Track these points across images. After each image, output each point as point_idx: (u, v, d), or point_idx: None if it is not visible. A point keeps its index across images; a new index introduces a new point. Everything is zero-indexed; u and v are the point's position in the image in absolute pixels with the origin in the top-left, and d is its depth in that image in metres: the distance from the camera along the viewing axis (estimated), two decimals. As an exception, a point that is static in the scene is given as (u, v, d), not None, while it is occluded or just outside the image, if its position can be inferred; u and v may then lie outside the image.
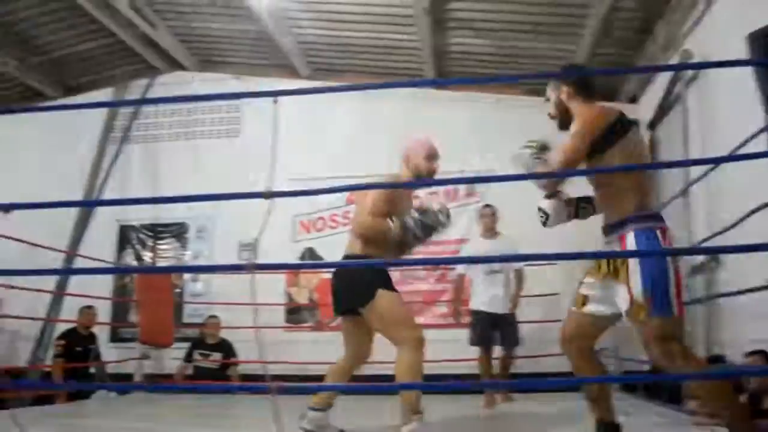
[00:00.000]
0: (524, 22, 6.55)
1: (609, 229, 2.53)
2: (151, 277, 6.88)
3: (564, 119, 2.75)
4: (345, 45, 7.55)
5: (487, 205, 5.70)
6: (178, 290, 7.91)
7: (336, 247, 7.49)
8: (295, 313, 7.63)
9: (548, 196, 2.73)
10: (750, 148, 2.90)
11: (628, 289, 2.35)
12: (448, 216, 3.32)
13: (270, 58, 8.09)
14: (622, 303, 2.39)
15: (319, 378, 6.37)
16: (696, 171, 4.81)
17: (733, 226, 3.65)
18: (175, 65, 8.41)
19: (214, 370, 6.75)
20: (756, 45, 2.04)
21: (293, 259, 7.56)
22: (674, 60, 5.79)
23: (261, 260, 6.76)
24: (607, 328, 2.67)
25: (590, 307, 2.58)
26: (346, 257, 3.41)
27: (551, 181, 2.59)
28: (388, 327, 3.17)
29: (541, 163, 2.55)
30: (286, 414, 2.05)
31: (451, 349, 5.94)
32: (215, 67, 8.47)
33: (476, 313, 5.28)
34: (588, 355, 2.64)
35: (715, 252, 4.96)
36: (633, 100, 7.58)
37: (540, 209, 2.74)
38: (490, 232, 5.52)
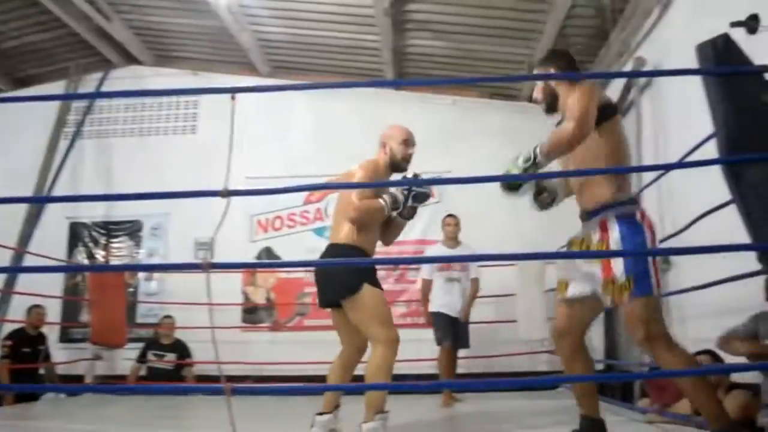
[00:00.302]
0: (482, 26, 6.63)
1: (588, 215, 2.56)
2: (103, 275, 6.72)
3: (551, 103, 2.74)
4: (305, 44, 7.51)
5: (450, 215, 5.77)
6: (131, 289, 7.76)
7: (294, 246, 7.56)
8: (251, 313, 7.56)
9: (538, 194, 2.79)
10: (699, 155, 3.00)
11: (603, 269, 2.39)
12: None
13: (229, 55, 8.00)
14: (598, 282, 2.44)
15: (277, 378, 6.36)
16: (648, 176, 4.95)
17: (686, 228, 3.75)
18: (131, 59, 8.25)
19: (169, 371, 6.65)
20: (704, 55, 2.10)
21: (250, 258, 7.49)
22: (628, 67, 5.94)
23: (217, 259, 6.68)
24: (596, 313, 2.70)
25: (572, 290, 2.61)
26: (332, 246, 3.35)
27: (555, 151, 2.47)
28: (367, 323, 3.13)
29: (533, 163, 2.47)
30: (242, 415, 2.02)
31: (411, 349, 5.97)
32: (172, 62, 8.33)
33: (438, 315, 5.46)
34: (579, 353, 2.68)
35: (668, 253, 5.08)
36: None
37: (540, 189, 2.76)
38: (453, 241, 5.67)
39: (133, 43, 7.86)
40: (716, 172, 2.14)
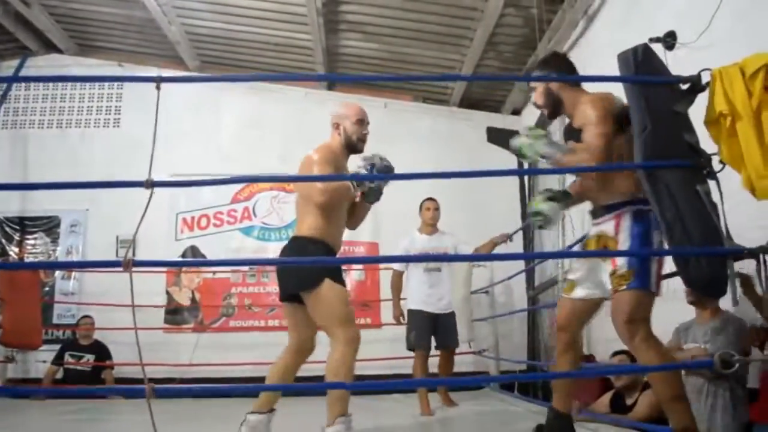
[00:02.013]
0: (413, 30, 6.70)
1: (603, 210, 2.57)
2: (16, 273, 6.38)
3: (555, 109, 2.73)
4: (236, 39, 7.39)
5: (430, 198, 5.08)
6: (47, 288, 7.42)
7: (220, 245, 7.41)
8: (175, 314, 7.36)
9: (552, 198, 2.66)
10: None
11: (612, 261, 2.42)
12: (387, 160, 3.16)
13: (156, 47, 7.77)
14: (607, 279, 2.46)
15: (201, 380, 6.22)
16: (571, 179, 5.10)
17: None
18: (51, 48, 7.88)
19: (87, 373, 6.38)
20: (624, 64, 2.19)
21: (175, 257, 7.30)
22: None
23: (140, 258, 6.49)
24: (596, 311, 2.72)
25: (579, 292, 2.64)
26: (294, 239, 3.21)
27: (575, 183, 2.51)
28: (327, 319, 3.02)
29: (553, 150, 2.46)
30: (164, 420, 1.97)
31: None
32: (95, 52, 8.01)
33: (415, 313, 4.82)
34: (572, 347, 2.72)
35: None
36: (516, 112, 7.96)
37: (539, 213, 2.64)
38: (431, 227, 5.03)
39: (53, 31, 7.52)
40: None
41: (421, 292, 4.85)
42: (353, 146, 3.30)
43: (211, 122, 7.74)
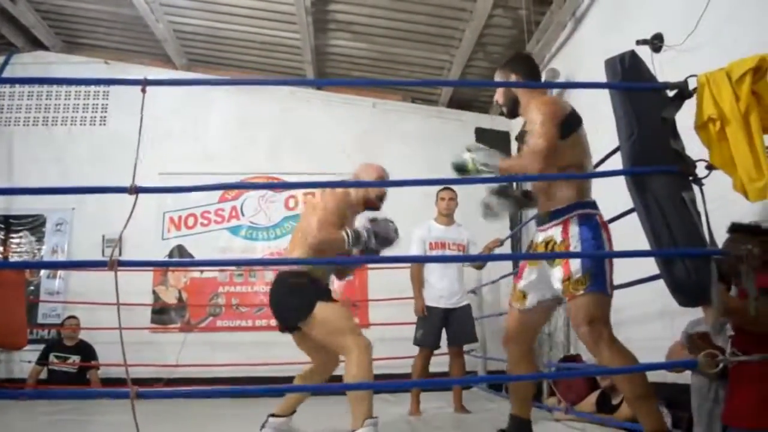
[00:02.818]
0: (402, 30, 6.69)
1: (549, 216, 2.59)
2: (1, 272, 6.32)
3: (512, 108, 2.77)
4: (224, 38, 7.35)
5: (447, 188, 4.89)
6: (32, 287, 7.35)
7: (207, 245, 7.38)
8: (161, 314, 7.31)
9: (498, 193, 2.72)
10: (608, 165, 3.13)
11: (564, 268, 2.43)
12: (396, 230, 3.23)
13: (143, 45, 7.72)
14: (557, 283, 2.47)
15: (188, 381, 6.17)
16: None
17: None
18: (37, 44, 7.80)
19: (72, 373, 6.33)
20: (611, 70, 2.19)
21: (161, 256, 7.25)
22: (542, 78, 6.14)
23: (126, 257, 6.45)
24: (548, 318, 2.76)
25: (531, 300, 2.65)
26: (279, 274, 3.27)
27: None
28: (330, 338, 3.05)
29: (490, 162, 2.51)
30: (148, 421, 1.95)
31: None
32: (82, 49, 7.94)
33: (428, 310, 4.66)
34: (526, 357, 2.74)
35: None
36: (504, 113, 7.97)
37: (486, 204, 2.72)
38: (447, 218, 4.89)
39: (39, 28, 7.44)
40: (620, 183, 2.25)
41: (435, 285, 4.72)
42: (371, 203, 3.36)
43: (199, 120, 7.70)
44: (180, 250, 7.46)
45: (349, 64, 7.57)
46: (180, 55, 7.68)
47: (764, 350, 2.25)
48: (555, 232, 2.55)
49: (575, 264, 2.41)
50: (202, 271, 7.41)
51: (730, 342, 2.71)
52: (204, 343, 7.02)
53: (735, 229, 2.40)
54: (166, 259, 7.26)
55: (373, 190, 3.31)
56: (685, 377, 3.14)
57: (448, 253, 4.79)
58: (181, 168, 7.04)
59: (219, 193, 7.62)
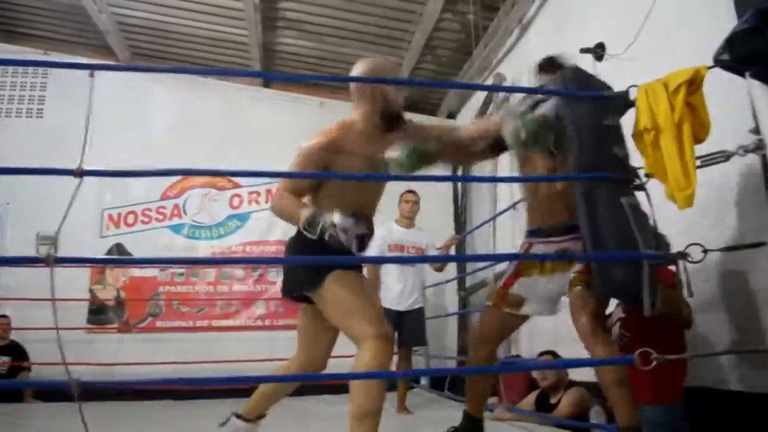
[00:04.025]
0: (352, 30, 6.69)
1: (566, 229, 2.54)
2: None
3: None
4: (169, 32, 7.19)
5: (411, 191, 4.88)
6: (-41, 285, 7.02)
7: (148, 243, 7.20)
8: (99, 313, 7.09)
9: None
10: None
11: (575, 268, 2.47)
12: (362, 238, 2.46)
13: (84, 36, 7.48)
14: (557, 302, 2.54)
15: (126, 382, 5.97)
16: (503, 187, 5.22)
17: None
18: (-31, 33, 7.48)
19: (3, 375, 6.08)
20: (542, 72, 2.24)
21: (99, 255, 7.03)
22: (489, 82, 6.26)
23: (63, 254, 6.23)
24: (521, 324, 2.76)
25: (529, 308, 2.63)
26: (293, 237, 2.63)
27: None
28: (340, 317, 2.39)
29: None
30: (88, 421, 1.89)
31: (268, 351, 5.91)
32: (19, 39, 7.61)
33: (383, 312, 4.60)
34: (494, 358, 2.77)
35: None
36: (452, 116, 8.08)
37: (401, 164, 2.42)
38: (410, 221, 4.90)
39: (-28, 15, 7.14)
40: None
41: (392, 288, 4.71)
42: (392, 114, 2.55)
43: (141, 116, 7.49)
44: (119, 248, 7.25)
45: (297, 62, 7.51)
46: (123, 47, 7.47)
47: (655, 335, 2.39)
48: (575, 245, 2.49)
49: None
50: (142, 269, 7.22)
51: (619, 324, 2.87)
52: (143, 343, 6.85)
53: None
54: (104, 256, 7.05)
55: (391, 92, 2.52)
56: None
57: (406, 255, 4.81)
58: (122, 163, 6.83)
59: (161, 190, 7.45)
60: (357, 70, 2.61)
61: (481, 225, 5.89)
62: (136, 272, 7.24)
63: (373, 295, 2.62)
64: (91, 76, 1.97)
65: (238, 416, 2.72)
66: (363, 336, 2.27)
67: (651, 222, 2.04)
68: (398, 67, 2.85)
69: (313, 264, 2.43)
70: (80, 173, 1.77)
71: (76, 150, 2.11)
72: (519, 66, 5.73)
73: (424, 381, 6.59)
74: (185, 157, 7.20)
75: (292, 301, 2.68)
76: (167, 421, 3.25)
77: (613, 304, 2.88)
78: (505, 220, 5.44)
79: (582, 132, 2.13)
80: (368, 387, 2.23)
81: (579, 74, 2.27)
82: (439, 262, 5.33)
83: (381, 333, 2.26)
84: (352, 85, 2.63)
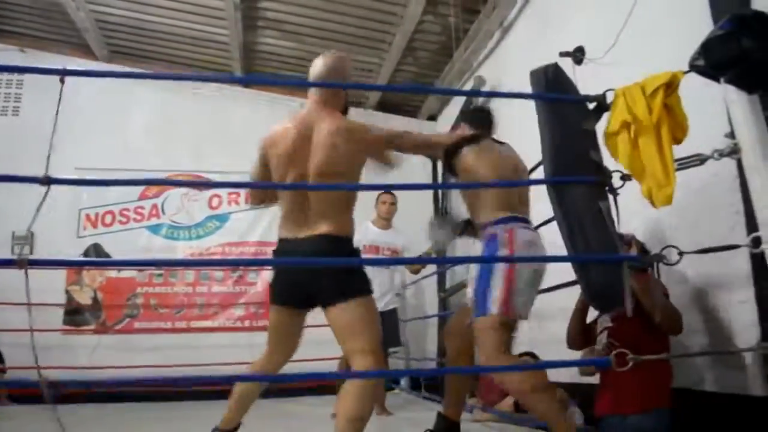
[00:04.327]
0: (332, 31, 6.68)
1: (479, 230, 2.74)
2: None
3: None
4: (149, 30, 7.12)
5: (388, 192, 4.86)
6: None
7: (126, 244, 7.13)
8: (75, 315, 7.00)
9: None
10: (537, 174, 3.22)
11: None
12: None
13: (62, 34, 7.39)
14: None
15: (103, 385, 5.89)
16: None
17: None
18: (-57, 29, 7.35)
19: (-25, 378, 5.98)
20: (535, 81, 2.25)
21: (76, 255, 6.95)
22: (469, 85, 6.29)
23: (38, 255, 6.15)
24: None
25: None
26: (321, 237, 2.48)
27: None
28: (351, 335, 2.43)
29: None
30: (58, 425, 1.87)
31: (248, 354, 5.87)
32: (-6, 36, 7.53)
33: None
34: (464, 356, 2.77)
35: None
36: (432, 118, 8.11)
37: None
38: (387, 222, 4.89)
39: (-54, 11, 7.02)
40: (541, 191, 2.32)
41: None
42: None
43: (120, 115, 7.41)
44: (96, 248, 7.16)
45: (277, 62, 7.49)
46: (101, 45, 7.39)
47: (642, 343, 2.42)
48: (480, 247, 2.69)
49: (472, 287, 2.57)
50: (119, 271, 7.14)
51: (607, 333, 2.90)
52: (120, 345, 6.78)
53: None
54: (81, 257, 6.96)
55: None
56: (595, 378, 3.29)
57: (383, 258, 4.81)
58: (100, 163, 6.77)
59: (139, 190, 7.38)
60: (322, 63, 2.91)
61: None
62: (114, 273, 7.16)
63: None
64: (62, 82, 1.91)
65: (217, 430, 2.69)
66: (365, 355, 2.37)
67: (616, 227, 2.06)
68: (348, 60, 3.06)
69: (362, 275, 2.48)
70: (46, 181, 1.71)
71: (54, 148, 2.07)
72: (499, 69, 5.77)
73: (404, 382, 6.59)
74: (165, 157, 7.15)
75: (287, 305, 2.64)
76: (145, 423, 3.22)
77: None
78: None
79: (561, 135, 2.15)
80: (362, 395, 2.31)
81: (559, 75, 2.29)
82: (418, 264, 5.35)
83: (377, 363, 2.38)
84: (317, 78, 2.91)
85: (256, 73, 7.64)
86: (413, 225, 5.25)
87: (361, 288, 2.46)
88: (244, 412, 2.71)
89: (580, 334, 3.12)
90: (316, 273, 2.47)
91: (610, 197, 2.10)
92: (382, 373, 2.65)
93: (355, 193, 2.61)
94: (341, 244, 2.51)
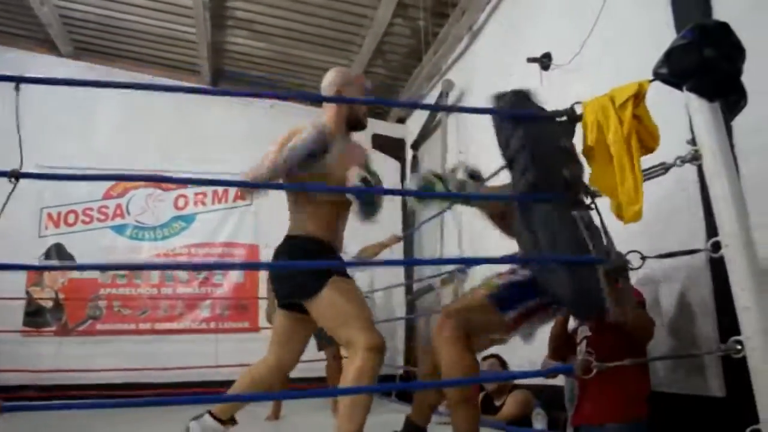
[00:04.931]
0: (302, 32, 6.66)
1: None
2: None
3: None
4: (115, 27, 7.00)
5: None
6: None
7: (90, 244, 6.99)
8: (35, 316, 6.84)
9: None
10: (499, 179, 3.25)
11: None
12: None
13: (25, 29, 7.22)
14: None
15: (64, 388, 5.79)
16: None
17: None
18: None
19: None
20: (499, 102, 2.17)
21: (38, 255, 6.80)
22: (438, 88, 6.33)
23: (-3, 255, 6.01)
24: None
25: None
26: (288, 238, 2.66)
27: None
28: (336, 324, 2.47)
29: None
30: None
31: (213, 356, 5.82)
32: (-48, 30, 7.33)
33: None
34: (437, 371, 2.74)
35: (459, 262, 5.45)
36: (401, 120, 8.13)
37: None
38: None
39: None
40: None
41: None
42: (358, 122, 2.79)
43: (86, 113, 7.26)
44: (59, 249, 7.02)
45: (246, 62, 7.43)
46: (66, 42, 7.25)
47: (620, 352, 2.44)
48: None
49: None
50: (81, 271, 7.01)
51: (586, 342, 2.92)
52: (82, 347, 6.65)
53: None
54: (42, 258, 6.81)
55: (359, 106, 2.80)
56: (559, 380, 3.33)
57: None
58: (64, 161, 6.62)
59: (103, 189, 7.25)
60: (329, 78, 2.86)
61: (423, 223, 5.97)
62: (76, 273, 7.02)
63: (364, 300, 2.63)
64: (17, 89, 1.82)
65: (212, 415, 2.67)
66: (357, 345, 2.37)
67: (604, 236, 2.01)
68: (363, 77, 2.99)
69: (312, 270, 2.49)
70: (15, 175, 1.64)
71: (14, 147, 2.01)
72: (468, 73, 5.82)
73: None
74: (132, 157, 7.05)
75: (284, 309, 2.69)
76: (108, 427, 3.16)
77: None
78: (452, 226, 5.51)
79: (528, 153, 2.07)
80: (351, 415, 2.36)
81: (522, 100, 2.22)
82: (380, 266, 5.25)
83: (374, 344, 2.38)
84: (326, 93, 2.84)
85: (225, 74, 7.57)
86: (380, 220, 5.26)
87: (320, 279, 2.45)
88: (241, 406, 2.75)
89: (562, 342, 3.11)
90: (277, 275, 2.60)
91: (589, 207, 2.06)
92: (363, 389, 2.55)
93: (299, 193, 2.67)
94: (294, 241, 2.60)
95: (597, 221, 2.01)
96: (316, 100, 6.28)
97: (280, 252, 2.61)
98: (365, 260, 5.01)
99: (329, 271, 2.48)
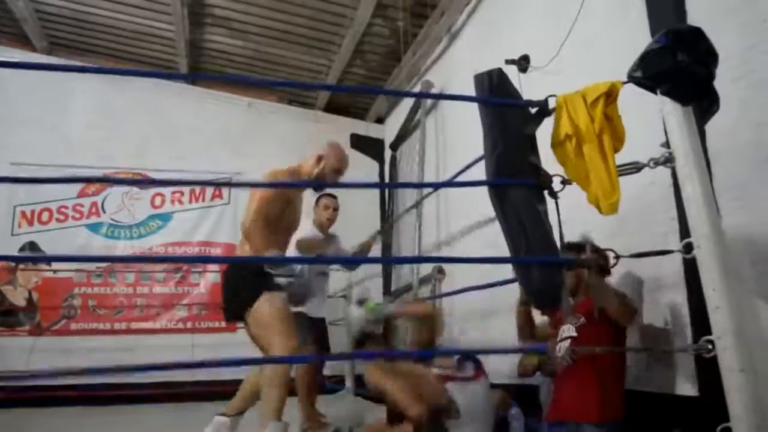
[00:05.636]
0: (281, 30, 6.63)
1: None
2: None
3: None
4: (91, 23, 6.91)
5: (331, 195, 4.42)
6: None
7: (64, 242, 6.89)
8: (8, 315, 6.72)
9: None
10: (473, 174, 3.27)
11: None
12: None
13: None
14: None
15: (37, 388, 5.77)
16: (427, 191, 5.31)
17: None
18: None
19: None
20: (480, 85, 2.27)
21: (11, 253, 6.69)
22: (417, 88, 6.35)
23: (-32, 253, 5.91)
24: None
25: None
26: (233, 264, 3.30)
27: None
28: (260, 332, 2.94)
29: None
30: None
31: (188, 354, 5.77)
32: (-77, 24, 7.18)
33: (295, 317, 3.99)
34: None
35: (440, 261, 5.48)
36: (380, 120, 8.14)
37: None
38: (326, 229, 4.41)
39: None
40: (484, 192, 2.34)
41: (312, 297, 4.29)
42: (322, 184, 3.40)
43: (59, 108, 7.14)
44: (32, 247, 6.91)
45: (224, 60, 7.38)
46: (41, 37, 7.13)
47: (603, 354, 2.48)
48: None
49: None
50: (55, 271, 6.90)
51: (570, 341, 2.96)
52: (56, 347, 6.55)
53: (569, 247, 2.57)
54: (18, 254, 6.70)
55: (326, 176, 3.32)
56: (535, 379, 3.38)
57: (323, 267, 4.40)
58: (37, 158, 6.55)
59: (78, 187, 7.15)
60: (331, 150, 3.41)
61: (406, 211, 6.01)
62: (50, 273, 6.92)
63: (290, 315, 3.05)
64: None
65: (221, 414, 3.13)
66: (273, 349, 2.82)
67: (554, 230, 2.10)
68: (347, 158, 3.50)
69: (248, 287, 2.92)
70: None
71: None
72: (447, 73, 5.84)
73: (348, 385, 6.56)
74: (105, 154, 6.97)
75: (235, 322, 3.25)
76: (79, 427, 3.12)
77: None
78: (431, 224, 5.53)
79: (503, 138, 2.17)
80: (272, 396, 2.80)
81: (503, 81, 2.31)
82: (355, 263, 5.07)
83: (288, 348, 2.81)
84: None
85: (202, 71, 7.51)
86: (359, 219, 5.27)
87: (246, 300, 2.93)
88: (251, 403, 3.13)
89: (527, 324, 3.24)
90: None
91: (550, 200, 2.14)
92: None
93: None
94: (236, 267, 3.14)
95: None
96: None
97: (229, 275, 3.22)
98: (351, 257, 4.88)
99: (261, 288, 2.95)
